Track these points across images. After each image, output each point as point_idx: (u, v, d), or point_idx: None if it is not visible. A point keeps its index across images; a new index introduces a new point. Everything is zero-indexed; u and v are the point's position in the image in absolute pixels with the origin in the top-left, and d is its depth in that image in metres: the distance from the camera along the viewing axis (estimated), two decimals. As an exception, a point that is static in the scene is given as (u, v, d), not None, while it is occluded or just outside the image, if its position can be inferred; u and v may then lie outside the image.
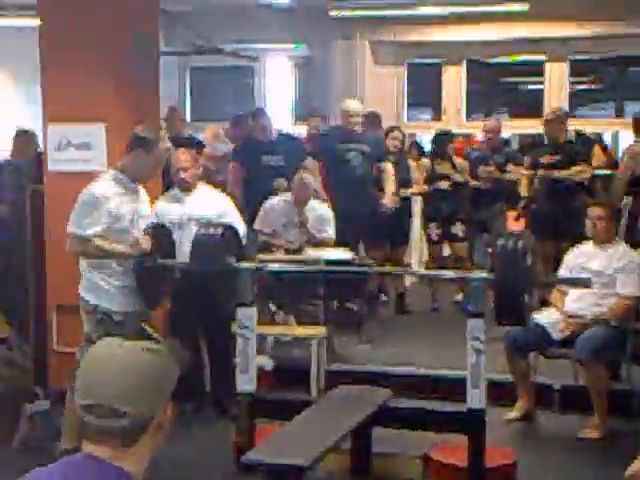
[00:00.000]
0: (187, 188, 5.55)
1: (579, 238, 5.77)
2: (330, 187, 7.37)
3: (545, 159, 7.36)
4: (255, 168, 7.25)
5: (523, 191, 7.60)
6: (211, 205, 5.48)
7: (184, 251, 4.91)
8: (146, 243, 4.68)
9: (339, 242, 6.73)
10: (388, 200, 7.30)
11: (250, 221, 6.35)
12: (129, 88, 5.77)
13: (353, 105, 7.52)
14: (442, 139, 8.46)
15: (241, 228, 5.22)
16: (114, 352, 1.73)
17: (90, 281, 4.68)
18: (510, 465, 4.58)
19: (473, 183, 8.05)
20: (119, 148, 5.60)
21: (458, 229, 8.08)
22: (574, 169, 7.19)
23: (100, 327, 4.51)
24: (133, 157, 4.71)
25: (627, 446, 3.39)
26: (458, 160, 8.27)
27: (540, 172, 7.29)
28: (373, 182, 7.45)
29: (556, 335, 5.37)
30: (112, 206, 4.56)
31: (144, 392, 1.71)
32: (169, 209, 5.52)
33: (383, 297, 8.35)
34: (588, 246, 5.58)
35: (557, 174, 7.23)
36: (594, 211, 5.50)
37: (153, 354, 1.75)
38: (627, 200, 7.11)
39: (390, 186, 7.39)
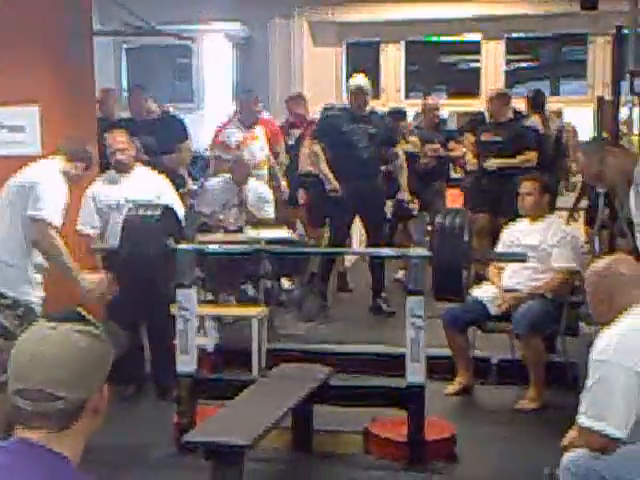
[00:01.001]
0: (124, 170, 5.50)
1: (517, 215, 5.84)
2: (336, 171, 6.93)
3: (485, 137, 7.45)
4: None
5: (469, 165, 7.68)
6: (149, 187, 5.43)
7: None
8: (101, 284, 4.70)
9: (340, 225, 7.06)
10: (404, 194, 7.22)
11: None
12: (63, 69, 5.67)
13: (356, 82, 7.08)
14: (395, 118, 8.47)
15: (179, 209, 5.18)
16: (46, 335, 1.71)
17: (4, 273, 4.53)
18: (449, 438, 4.64)
19: (423, 161, 8.06)
20: (54, 130, 5.53)
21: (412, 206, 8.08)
22: (519, 158, 7.26)
23: (23, 323, 4.40)
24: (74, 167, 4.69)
25: (563, 416, 3.45)
26: (411, 138, 8.25)
27: (489, 163, 7.33)
28: (378, 167, 7.14)
29: (493, 310, 5.45)
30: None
31: (78, 375, 1.69)
32: (106, 191, 5.46)
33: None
34: (524, 222, 5.67)
35: (501, 162, 7.29)
36: (524, 186, 5.59)
37: (87, 336, 1.73)
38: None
39: (404, 178, 7.22)
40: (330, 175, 6.88)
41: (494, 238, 6.23)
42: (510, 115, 7.55)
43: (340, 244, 7.06)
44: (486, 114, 7.72)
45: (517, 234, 5.61)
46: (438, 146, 8.04)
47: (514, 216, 5.90)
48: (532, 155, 7.29)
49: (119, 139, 5.54)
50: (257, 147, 7.45)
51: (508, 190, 6.99)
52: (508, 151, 7.28)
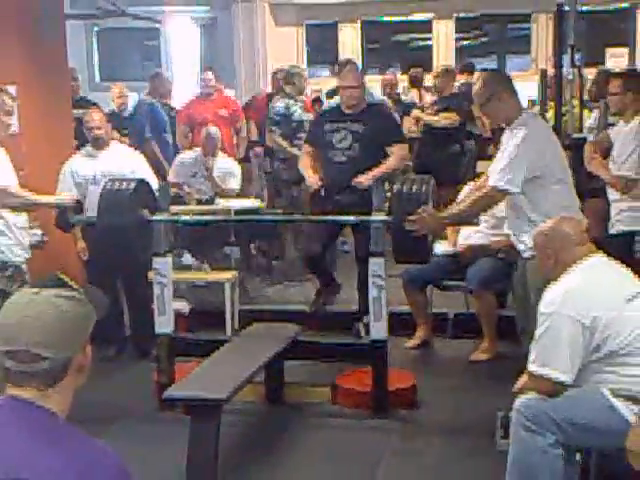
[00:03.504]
0: (100, 146, 5.44)
1: (456, 182, 5.86)
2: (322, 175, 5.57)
3: (429, 108, 7.57)
4: None
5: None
6: (124, 162, 5.38)
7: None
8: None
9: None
10: (363, 178, 5.25)
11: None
12: (38, 51, 5.60)
13: (345, 75, 5.63)
14: None
15: (154, 182, 5.13)
16: (30, 300, 1.70)
17: None
18: (410, 387, 4.68)
19: None
20: (31, 108, 5.45)
21: None
22: (442, 115, 7.40)
23: (15, 282, 4.37)
24: None
25: (514, 365, 3.48)
26: None
27: (413, 113, 7.45)
28: (365, 169, 5.31)
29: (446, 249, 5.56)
30: None
31: (62, 336, 1.68)
32: (84, 165, 5.40)
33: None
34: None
35: (426, 118, 7.46)
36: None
37: (69, 300, 1.73)
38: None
39: (383, 167, 5.38)
40: (306, 172, 5.60)
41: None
42: (456, 90, 7.73)
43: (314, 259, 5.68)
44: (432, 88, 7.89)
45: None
46: None
47: (455, 183, 5.92)
48: (454, 115, 7.41)
49: (95, 117, 5.48)
50: None
51: (444, 157, 7.23)
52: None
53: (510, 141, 3.95)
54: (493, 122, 4.50)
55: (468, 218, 4.41)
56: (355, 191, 5.23)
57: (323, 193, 5.48)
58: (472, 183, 5.68)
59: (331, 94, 8.33)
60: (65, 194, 4.87)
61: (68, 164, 5.40)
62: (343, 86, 5.52)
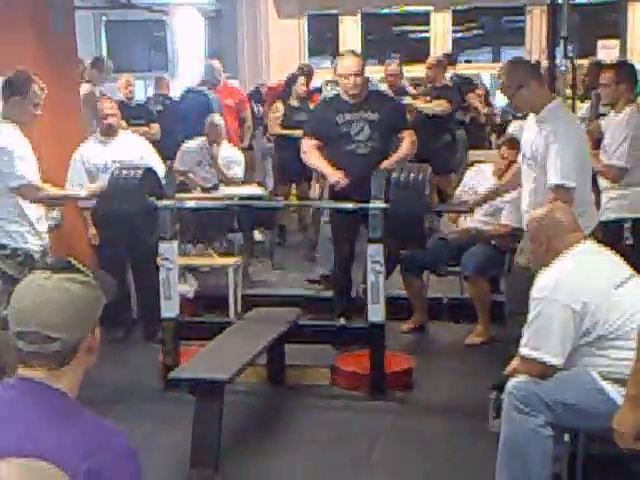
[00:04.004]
0: (111, 133, 5.44)
1: (449, 171, 5.83)
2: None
3: (419, 98, 7.64)
4: None
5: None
6: (133, 149, 5.38)
7: None
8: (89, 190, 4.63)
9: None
10: (387, 163, 4.94)
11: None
12: (49, 40, 5.59)
13: (345, 62, 5.14)
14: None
15: (160, 170, 5.13)
16: (41, 284, 1.71)
17: (4, 228, 4.47)
18: (406, 370, 4.70)
19: None
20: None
21: None
22: (435, 102, 7.39)
23: (25, 268, 4.36)
24: (11, 105, 4.29)
25: (506, 349, 3.50)
26: None
27: (406, 100, 7.44)
28: (384, 158, 5.02)
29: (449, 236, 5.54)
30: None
31: (72, 318, 1.69)
32: (95, 153, 5.39)
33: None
34: (487, 171, 5.58)
35: (418, 104, 7.41)
36: (503, 151, 5.51)
37: (78, 284, 1.73)
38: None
39: (400, 152, 5.13)
40: (325, 168, 5.13)
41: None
42: (447, 81, 7.76)
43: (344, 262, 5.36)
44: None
45: (478, 179, 5.56)
46: None
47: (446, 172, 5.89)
48: (445, 103, 7.40)
49: (107, 105, 5.47)
50: None
51: (436, 147, 7.17)
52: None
53: (551, 136, 3.84)
54: (520, 110, 4.45)
55: None
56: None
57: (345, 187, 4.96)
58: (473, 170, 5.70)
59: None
60: (89, 186, 4.81)
61: (79, 151, 5.39)
62: (345, 74, 5.09)
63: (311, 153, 5.20)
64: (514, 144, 5.06)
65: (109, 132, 5.43)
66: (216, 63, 8.07)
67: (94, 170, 5.33)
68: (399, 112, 5.41)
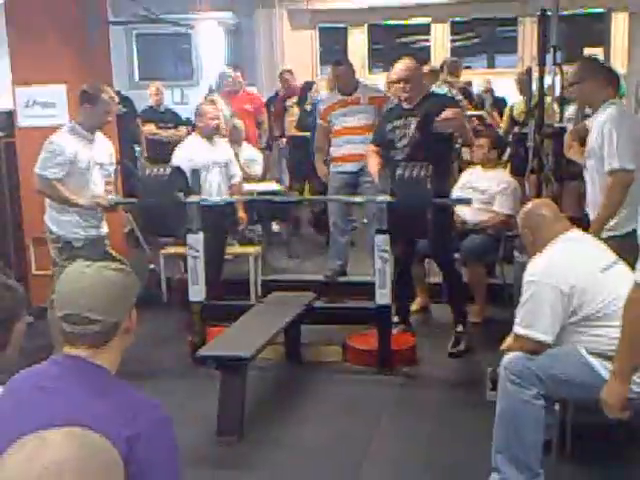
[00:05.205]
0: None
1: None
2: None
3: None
4: None
5: None
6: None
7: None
8: (104, 200, 4.48)
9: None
10: (450, 112, 4.55)
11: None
12: (85, 53, 5.58)
13: (394, 69, 4.84)
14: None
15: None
16: (83, 272, 1.73)
17: (52, 215, 4.50)
18: (411, 347, 4.71)
19: None
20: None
21: None
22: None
23: (63, 253, 4.41)
24: (82, 110, 4.46)
25: (501, 327, 3.49)
26: None
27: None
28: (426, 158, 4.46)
29: None
30: (69, 153, 4.38)
31: (111, 302, 1.71)
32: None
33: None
34: (478, 169, 5.62)
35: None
36: (478, 141, 5.52)
37: (116, 271, 1.75)
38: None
39: (449, 112, 4.60)
40: (375, 175, 4.77)
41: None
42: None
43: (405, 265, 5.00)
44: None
45: (473, 177, 5.57)
46: None
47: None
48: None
49: (210, 109, 5.55)
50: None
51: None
52: None
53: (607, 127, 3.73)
54: (580, 103, 4.43)
55: (611, 215, 3.77)
56: None
57: None
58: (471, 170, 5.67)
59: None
60: (102, 197, 4.50)
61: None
62: (391, 82, 4.79)
63: (369, 156, 4.96)
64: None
65: (212, 134, 5.44)
66: (235, 72, 8.03)
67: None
68: (440, 102, 4.79)
